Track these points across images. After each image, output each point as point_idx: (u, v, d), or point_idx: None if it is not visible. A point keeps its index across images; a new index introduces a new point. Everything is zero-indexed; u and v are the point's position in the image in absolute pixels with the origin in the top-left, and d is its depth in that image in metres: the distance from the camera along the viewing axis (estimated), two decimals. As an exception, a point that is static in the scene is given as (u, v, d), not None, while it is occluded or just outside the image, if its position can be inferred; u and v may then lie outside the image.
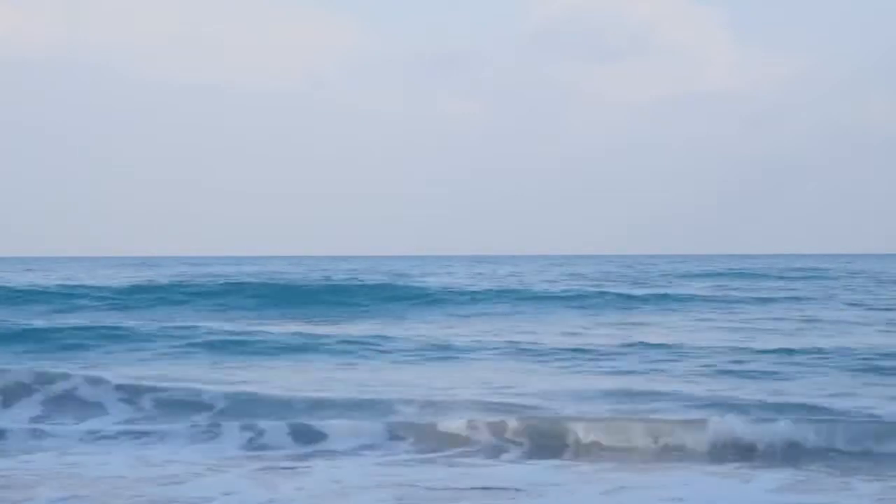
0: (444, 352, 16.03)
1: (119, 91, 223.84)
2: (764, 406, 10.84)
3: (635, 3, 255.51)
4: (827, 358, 14.63)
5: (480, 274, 47.42)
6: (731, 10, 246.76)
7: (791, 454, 9.27)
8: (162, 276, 37.38)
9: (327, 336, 17.70)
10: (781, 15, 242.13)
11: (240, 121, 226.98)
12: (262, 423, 9.94)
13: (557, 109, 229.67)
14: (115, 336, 17.55)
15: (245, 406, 10.93)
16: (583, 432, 9.70)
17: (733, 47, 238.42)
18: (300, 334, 17.97)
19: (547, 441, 9.64)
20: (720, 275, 47.10)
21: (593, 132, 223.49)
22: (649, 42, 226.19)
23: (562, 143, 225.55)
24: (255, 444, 9.55)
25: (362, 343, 16.79)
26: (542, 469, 8.81)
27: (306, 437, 9.76)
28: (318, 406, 10.88)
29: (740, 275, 46.67)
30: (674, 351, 15.74)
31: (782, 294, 30.48)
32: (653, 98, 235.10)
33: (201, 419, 10.53)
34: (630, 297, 28.07)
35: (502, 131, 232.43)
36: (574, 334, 18.86)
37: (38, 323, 19.69)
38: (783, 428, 9.51)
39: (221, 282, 31.02)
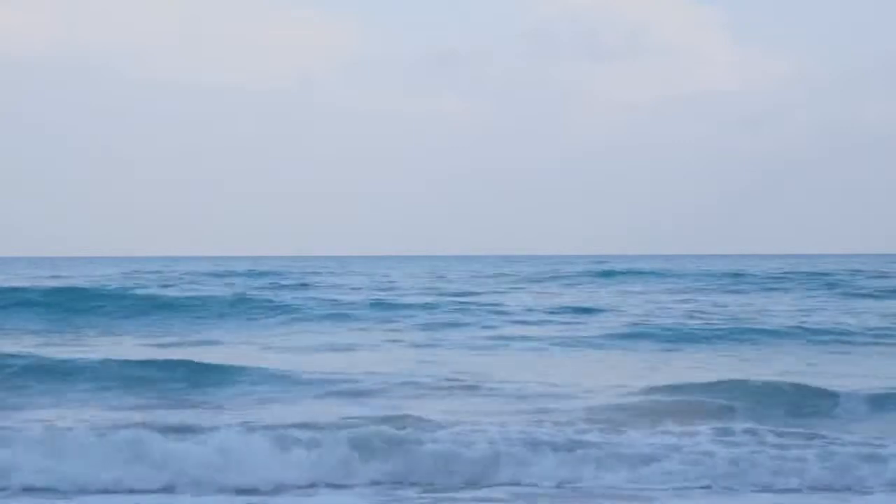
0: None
1: (119, 91, 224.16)
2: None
3: (635, 3, 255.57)
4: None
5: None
6: (730, 11, 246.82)
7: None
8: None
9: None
10: (779, 15, 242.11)
11: (240, 121, 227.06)
12: None
13: (557, 109, 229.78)
14: None
15: None
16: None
17: (732, 47, 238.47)
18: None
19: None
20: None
21: (593, 132, 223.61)
22: (649, 42, 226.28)
23: (562, 143, 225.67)
24: None
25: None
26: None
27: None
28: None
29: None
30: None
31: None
32: (652, 98, 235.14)
33: None
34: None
35: (502, 131, 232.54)
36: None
37: None
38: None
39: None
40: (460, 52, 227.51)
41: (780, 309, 25.72)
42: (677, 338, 18.81)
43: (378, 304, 26.09)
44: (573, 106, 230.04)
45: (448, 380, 13.03)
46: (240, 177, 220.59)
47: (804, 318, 22.36)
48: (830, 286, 35.50)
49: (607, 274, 47.00)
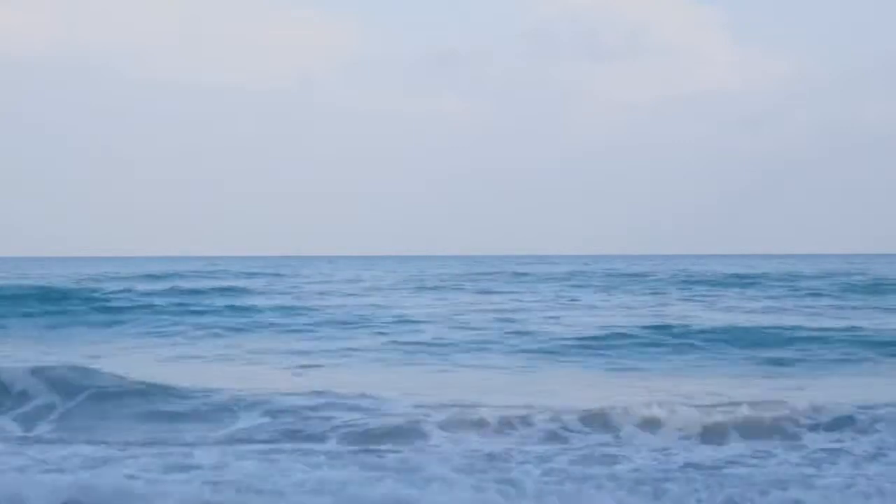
0: None
1: (119, 91, 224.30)
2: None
3: (635, 3, 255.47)
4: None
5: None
6: (730, 11, 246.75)
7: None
8: None
9: None
10: (779, 15, 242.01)
11: (240, 121, 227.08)
12: None
13: (557, 109, 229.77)
14: None
15: None
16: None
17: (732, 47, 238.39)
18: None
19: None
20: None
21: (593, 132, 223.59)
22: (649, 42, 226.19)
23: (562, 143, 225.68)
24: None
25: None
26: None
27: None
28: None
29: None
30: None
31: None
32: (652, 98, 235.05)
33: None
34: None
35: (502, 131, 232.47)
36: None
37: None
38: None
39: None
40: (460, 52, 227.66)
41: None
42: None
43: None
44: (573, 106, 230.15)
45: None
46: (240, 177, 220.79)
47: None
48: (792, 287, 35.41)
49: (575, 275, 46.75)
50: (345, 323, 21.72)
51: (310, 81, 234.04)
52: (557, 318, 23.17)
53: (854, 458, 8.63)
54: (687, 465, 8.44)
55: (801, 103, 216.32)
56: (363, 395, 11.30)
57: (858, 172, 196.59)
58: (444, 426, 9.73)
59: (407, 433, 9.62)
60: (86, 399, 11.37)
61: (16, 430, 10.34)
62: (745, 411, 9.96)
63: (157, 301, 27.50)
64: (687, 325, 19.86)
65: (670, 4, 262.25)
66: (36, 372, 12.00)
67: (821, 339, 17.79)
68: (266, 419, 10.33)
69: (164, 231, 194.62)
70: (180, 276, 44.86)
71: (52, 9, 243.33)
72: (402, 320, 22.39)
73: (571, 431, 9.56)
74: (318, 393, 11.41)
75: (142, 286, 35.10)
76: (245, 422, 10.33)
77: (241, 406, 10.73)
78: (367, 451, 8.96)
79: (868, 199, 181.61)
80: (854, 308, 25.97)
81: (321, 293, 34.40)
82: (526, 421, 9.80)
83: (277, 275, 49.60)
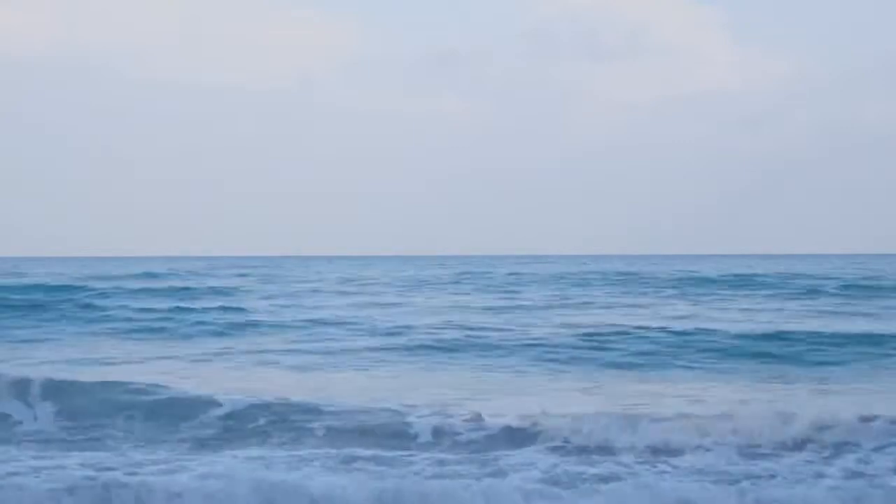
0: None
1: (119, 91, 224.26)
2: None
3: (635, 3, 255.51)
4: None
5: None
6: (730, 11, 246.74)
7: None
8: None
9: None
10: (779, 15, 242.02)
11: (240, 121, 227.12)
12: None
13: (557, 109, 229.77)
14: None
15: None
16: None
17: (732, 47, 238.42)
18: None
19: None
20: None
21: (593, 132, 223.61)
22: (649, 42, 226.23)
23: (562, 143, 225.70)
24: None
25: None
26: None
27: None
28: None
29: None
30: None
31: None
32: (652, 98, 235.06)
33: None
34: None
35: (502, 131, 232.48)
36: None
37: None
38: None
39: None
40: (460, 52, 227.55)
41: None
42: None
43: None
44: (573, 106, 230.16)
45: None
46: (240, 177, 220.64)
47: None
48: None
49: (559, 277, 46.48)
50: (340, 323, 21.66)
51: (310, 81, 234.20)
52: (555, 317, 23.21)
53: (856, 458, 8.51)
54: (685, 465, 8.31)
55: (801, 103, 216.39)
56: (355, 395, 11.28)
57: (858, 172, 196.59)
58: (436, 426, 9.65)
59: (399, 433, 9.54)
60: (80, 400, 11.22)
61: (9, 433, 10.16)
62: (743, 411, 9.81)
63: (152, 300, 27.50)
64: (685, 325, 19.79)
65: (670, 4, 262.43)
66: (30, 373, 11.84)
67: (820, 338, 17.69)
68: (259, 418, 10.24)
69: (164, 231, 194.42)
70: (177, 275, 44.98)
71: (52, 9, 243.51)
72: (398, 320, 22.31)
73: (564, 431, 9.43)
74: (311, 392, 11.39)
75: (139, 285, 35.11)
76: (238, 421, 10.22)
77: (235, 405, 10.60)
78: (357, 450, 8.86)
79: (868, 199, 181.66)
80: (853, 307, 25.91)
81: (317, 292, 34.38)
82: (520, 422, 9.67)
83: (274, 274, 49.66)
